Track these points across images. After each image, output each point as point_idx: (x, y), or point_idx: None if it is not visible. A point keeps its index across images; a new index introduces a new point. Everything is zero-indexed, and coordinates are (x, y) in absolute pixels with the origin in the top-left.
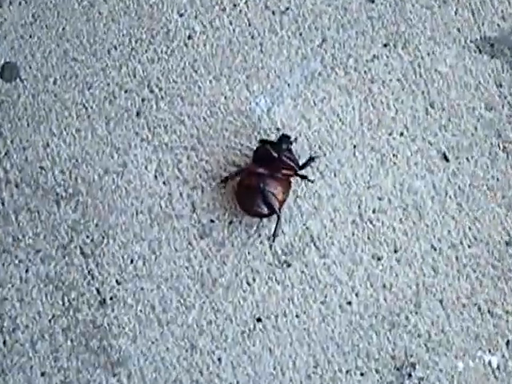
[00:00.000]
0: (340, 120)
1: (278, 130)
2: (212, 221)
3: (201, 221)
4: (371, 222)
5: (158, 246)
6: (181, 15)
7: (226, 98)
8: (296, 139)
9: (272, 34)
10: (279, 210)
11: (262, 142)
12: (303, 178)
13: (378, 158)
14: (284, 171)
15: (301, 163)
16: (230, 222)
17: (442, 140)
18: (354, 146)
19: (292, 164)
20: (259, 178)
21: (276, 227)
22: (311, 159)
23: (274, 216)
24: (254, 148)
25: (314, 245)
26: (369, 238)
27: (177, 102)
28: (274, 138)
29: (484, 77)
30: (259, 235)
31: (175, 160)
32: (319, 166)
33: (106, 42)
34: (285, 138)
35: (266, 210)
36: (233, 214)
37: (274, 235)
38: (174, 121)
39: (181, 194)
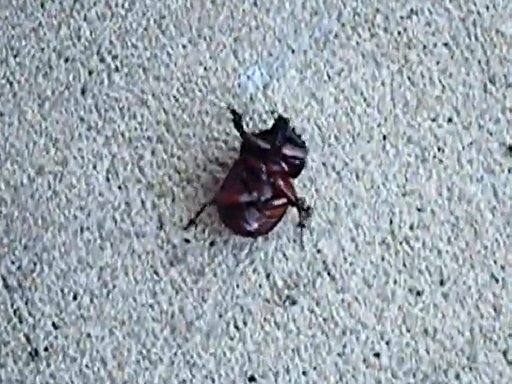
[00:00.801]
0: (364, 100)
1: (273, 113)
2: (187, 240)
3: (171, 240)
4: (408, 243)
5: (111, 276)
6: None
7: (205, 69)
8: (295, 129)
9: None
10: (278, 220)
11: (243, 134)
12: (295, 175)
13: (418, 154)
14: (280, 170)
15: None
16: (212, 243)
17: (507, 128)
18: (384, 137)
19: (294, 158)
20: (250, 182)
21: (301, 236)
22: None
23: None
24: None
25: (329, 274)
26: (404, 264)
27: (137, 75)
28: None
29: None
30: (252, 261)
31: (135, 156)
32: (336, 165)
33: None
34: (281, 123)
35: (260, 227)
36: (215, 231)
37: (301, 243)
38: (133, 101)
39: (143, 204)
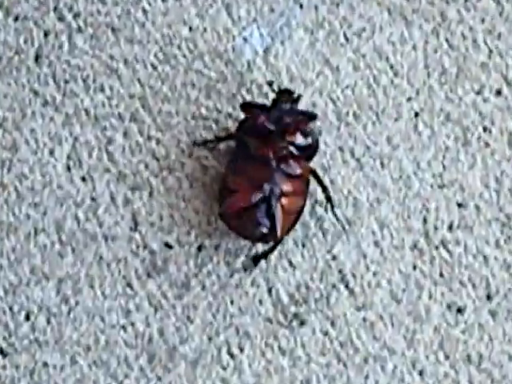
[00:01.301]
0: (391, 68)
1: (271, 84)
2: (168, 245)
3: (148, 245)
4: (446, 247)
5: (72, 290)
6: None
7: (190, 29)
8: (298, 98)
9: None
10: (288, 230)
11: (245, 105)
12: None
13: (458, 135)
14: (290, 154)
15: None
16: (199, 248)
17: None
18: (416, 114)
19: (305, 140)
20: (257, 174)
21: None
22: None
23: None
24: (240, 118)
25: (346, 286)
26: (442, 274)
27: (106, 36)
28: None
29: None
30: (249, 271)
31: (102, 139)
32: (355, 149)
33: None
34: (285, 96)
35: (270, 230)
36: (204, 233)
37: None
38: (100, 70)
39: (113, 199)
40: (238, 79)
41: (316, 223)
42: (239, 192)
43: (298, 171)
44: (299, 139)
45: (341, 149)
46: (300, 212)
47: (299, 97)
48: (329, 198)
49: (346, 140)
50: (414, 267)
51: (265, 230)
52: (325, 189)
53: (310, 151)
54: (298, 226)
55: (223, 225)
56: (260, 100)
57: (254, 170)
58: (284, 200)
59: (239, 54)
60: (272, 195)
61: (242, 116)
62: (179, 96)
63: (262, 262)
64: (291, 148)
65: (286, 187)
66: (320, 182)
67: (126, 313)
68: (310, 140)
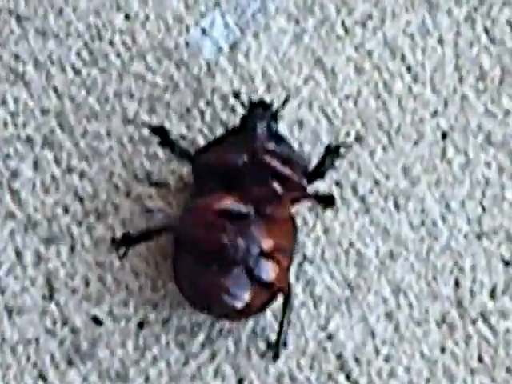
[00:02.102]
0: (408, 70)
1: (238, 95)
2: (96, 321)
3: (69, 321)
4: (486, 321)
5: None
6: None
7: (127, 17)
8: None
9: None
10: (285, 291)
11: (199, 151)
12: (324, 201)
13: (503, 163)
14: (272, 193)
15: (313, 167)
16: (141, 324)
17: None
18: (444, 135)
19: (292, 174)
20: (226, 226)
21: (279, 336)
22: (336, 149)
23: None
24: (195, 150)
25: (348, 378)
26: (481, 359)
27: (8, 27)
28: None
29: None
30: (212, 355)
31: (5, 172)
32: (359, 184)
33: None
34: (258, 111)
35: (253, 300)
36: (148, 303)
37: (277, 351)
38: (1, 75)
39: (19, 256)
40: (193, 87)
41: (305, 288)
42: (200, 246)
43: (285, 218)
44: (282, 173)
45: (339, 184)
46: (288, 269)
47: (277, 112)
48: (327, 200)
49: (347, 171)
50: (443, 350)
51: (238, 305)
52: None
53: (296, 188)
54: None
55: (176, 292)
56: (224, 115)
57: (222, 223)
58: (265, 261)
59: (195, 51)
60: (248, 255)
61: (201, 141)
62: (112, 110)
63: (229, 343)
64: (274, 185)
65: (268, 243)
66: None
67: None
68: (297, 173)
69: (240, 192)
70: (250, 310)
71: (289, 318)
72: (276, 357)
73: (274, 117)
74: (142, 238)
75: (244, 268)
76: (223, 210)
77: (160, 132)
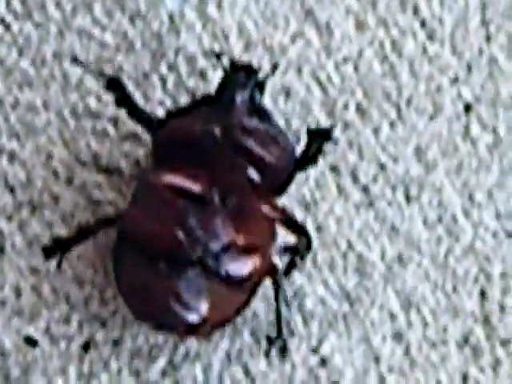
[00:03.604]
0: (423, 24)
1: (218, 55)
2: (30, 341)
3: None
4: None
5: None
6: None
7: None
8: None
9: None
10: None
11: (170, 114)
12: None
13: None
14: (247, 182)
15: (300, 152)
16: (86, 346)
17: None
18: (468, 107)
19: (275, 160)
20: (181, 211)
21: (279, 326)
22: (322, 133)
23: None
24: (157, 118)
25: None
26: None
27: None
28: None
29: None
30: None
31: None
32: (360, 170)
33: None
34: (241, 77)
35: (211, 313)
36: (94, 319)
37: (284, 344)
38: None
39: None
40: (152, 46)
41: (292, 301)
42: (146, 235)
43: (261, 213)
44: (263, 158)
45: (334, 169)
46: (257, 283)
47: (264, 81)
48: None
49: (345, 153)
50: (465, 378)
51: (192, 319)
52: (307, 242)
53: (279, 178)
54: (260, 307)
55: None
56: (191, 82)
57: (178, 209)
58: (231, 263)
59: (155, 0)
60: (207, 254)
61: (161, 114)
62: (50, 76)
63: (194, 370)
64: (250, 172)
65: (237, 240)
66: (298, 229)
67: None
68: (280, 159)
69: (206, 175)
70: (211, 324)
71: (285, 300)
72: (284, 351)
73: (260, 86)
74: (81, 238)
75: (201, 268)
76: (179, 189)
77: (115, 86)
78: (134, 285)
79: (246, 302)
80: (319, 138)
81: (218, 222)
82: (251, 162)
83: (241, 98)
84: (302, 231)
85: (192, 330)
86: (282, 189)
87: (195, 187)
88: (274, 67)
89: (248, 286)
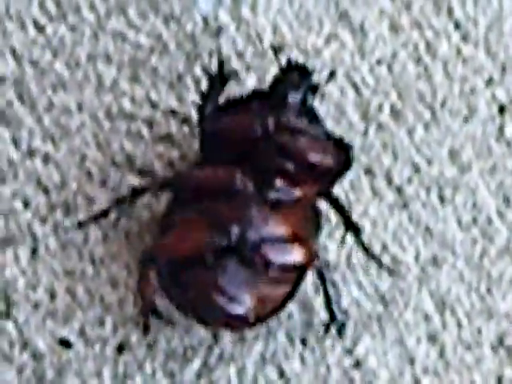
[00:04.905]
0: (457, 26)
1: (276, 49)
2: (65, 343)
3: (29, 343)
4: None
5: None
6: None
7: None
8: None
9: None
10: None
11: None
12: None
13: None
14: (303, 186)
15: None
16: (121, 348)
17: None
18: (502, 109)
19: (320, 165)
20: (232, 213)
21: (331, 311)
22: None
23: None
24: (196, 110)
25: None
26: None
27: None
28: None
29: None
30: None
31: None
32: (394, 172)
33: None
34: (296, 76)
35: (258, 306)
36: (128, 321)
37: (341, 325)
38: None
39: None
40: (186, 48)
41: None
42: (186, 232)
43: (296, 196)
44: (307, 158)
45: (369, 171)
46: (300, 276)
47: (318, 84)
48: (356, 230)
49: (379, 155)
50: (499, 380)
51: (237, 311)
52: (348, 222)
53: (322, 180)
54: (294, 308)
55: (164, 306)
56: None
57: (214, 200)
58: (270, 253)
59: (189, 2)
60: (244, 244)
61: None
62: (84, 78)
63: (228, 371)
64: (293, 169)
65: (278, 230)
66: (338, 208)
67: None
68: (324, 162)
69: (247, 169)
70: (257, 317)
71: (332, 281)
72: (341, 332)
73: (314, 89)
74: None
75: (240, 259)
76: (216, 186)
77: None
78: (176, 280)
79: (290, 295)
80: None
81: (255, 213)
82: (294, 160)
83: (293, 97)
84: (341, 211)
85: (236, 322)
86: (323, 192)
87: (231, 181)
88: (331, 74)
89: (291, 277)
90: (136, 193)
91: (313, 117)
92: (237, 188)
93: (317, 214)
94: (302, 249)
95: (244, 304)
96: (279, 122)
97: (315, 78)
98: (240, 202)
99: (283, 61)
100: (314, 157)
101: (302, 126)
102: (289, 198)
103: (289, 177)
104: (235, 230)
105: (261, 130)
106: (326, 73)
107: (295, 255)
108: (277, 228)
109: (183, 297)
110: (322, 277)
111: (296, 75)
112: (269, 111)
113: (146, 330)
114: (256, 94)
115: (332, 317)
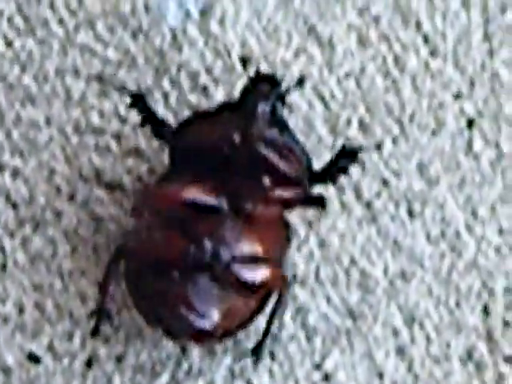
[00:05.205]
0: (425, 40)
1: (245, 61)
2: (33, 358)
3: None
4: None
5: None
6: None
7: None
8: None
9: None
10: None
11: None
12: (311, 202)
13: None
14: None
15: (319, 168)
16: (89, 362)
17: None
18: (470, 123)
19: (291, 172)
20: (190, 226)
21: (264, 337)
22: (351, 153)
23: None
24: (176, 123)
25: None
26: None
27: None
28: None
29: None
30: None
31: None
32: (363, 186)
33: None
34: (265, 86)
35: (224, 319)
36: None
37: (258, 356)
38: None
39: None
40: (154, 62)
41: (295, 317)
42: (155, 240)
43: (273, 222)
44: (279, 169)
45: (338, 185)
46: (269, 293)
47: (286, 93)
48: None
49: (351, 176)
50: None
51: (203, 325)
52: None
53: (294, 190)
54: (263, 323)
55: (132, 321)
56: (194, 98)
57: (184, 218)
58: (241, 271)
59: (157, 17)
60: (216, 262)
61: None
62: (52, 92)
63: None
64: (264, 181)
65: (249, 248)
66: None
67: None
68: (297, 172)
69: (218, 182)
70: (224, 330)
71: (281, 317)
72: (256, 362)
73: (282, 99)
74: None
75: (211, 276)
76: (189, 201)
77: (139, 103)
78: (144, 290)
79: (259, 309)
80: (348, 157)
81: (228, 229)
82: (267, 171)
83: (262, 108)
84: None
85: (203, 336)
86: (295, 202)
87: (204, 196)
88: (301, 81)
89: (260, 293)
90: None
91: (283, 126)
92: (210, 203)
93: (287, 226)
94: (273, 270)
95: (211, 318)
96: (249, 132)
97: (284, 88)
98: (213, 217)
99: (251, 72)
100: (287, 166)
101: (272, 136)
102: (262, 211)
103: (262, 188)
104: (208, 245)
105: (231, 141)
106: (293, 85)
107: (266, 275)
108: (249, 245)
109: (150, 307)
110: (277, 303)
111: (265, 85)
112: (238, 122)
113: (94, 332)
114: (224, 106)
115: (261, 342)
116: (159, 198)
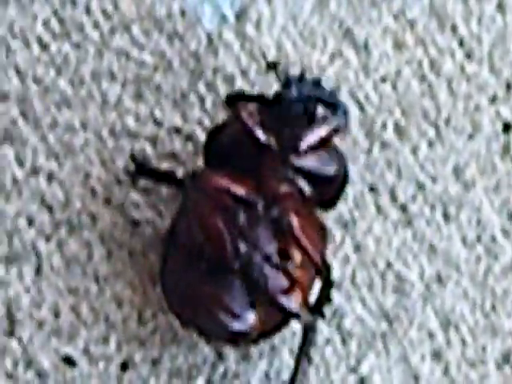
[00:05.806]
0: (461, 44)
1: (274, 64)
2: (68, 360)
3: (33, 360)
4: None
5: None
6: None
7: None
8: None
9: None
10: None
11: (232, 99)
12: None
13: None
14: (297, 193)
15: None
16: (124, 365)
17: None
18: (507, 127)
19: (327, 177)
20: (230, 225)
21: (293, 377)
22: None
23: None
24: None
25: None
26: None
27: None
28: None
29: None
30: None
31: None
32: (398, 190)
33: None
34: (298, 88)
35: (261, 321)
36: (133, 338)
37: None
38: None
39: None
40: (190, 66)
41: (331, 320)
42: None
43: (305, 221)
44: (315, 171)
45: (373, 189)
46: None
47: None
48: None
49: (383, 173)
50: None
51: (238, 327)
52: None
53: (328, 192)
54: (299, 326)
55: (168, 325)
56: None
57: (226, 214)
58: (274, 275)
59: (193, 21)
60: (250, 266)
61: (200, 134)
62: (88, 96)
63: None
64: (301, 183)
65: (280, 251)
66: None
67: None
68: (332, 174)
69: (254, 183)
70: (259, 332)
71: (308, 353)
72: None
73: (322, 101)
74: (160, 177)
75: (245, 279)
76: (227, 191)
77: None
78: (180, 291)
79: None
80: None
81: (263, 232)
82: (302, 173)
83: (296, 109)
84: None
85: (238, 338)
86: (329, 204)
87: (242, 191)
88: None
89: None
90: (159, 177)
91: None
92: (249, 198)
93: (322, 229)
94: (306, 275)
95: (246, 320)
96: (284, 134)
97: (320, 91)
98: (249, 215)
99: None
100: (320, 169)
101: (312, 131)
102: (297, 214)
103: (297, 191)
104: (243, 248)
105: (266, 144)
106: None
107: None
108: (283, 249)
109: (187, 310)
110: (304, 337)
111: (298, 87)
112: (272, 123)
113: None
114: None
115: (291, 382)
116: (208, 180)
